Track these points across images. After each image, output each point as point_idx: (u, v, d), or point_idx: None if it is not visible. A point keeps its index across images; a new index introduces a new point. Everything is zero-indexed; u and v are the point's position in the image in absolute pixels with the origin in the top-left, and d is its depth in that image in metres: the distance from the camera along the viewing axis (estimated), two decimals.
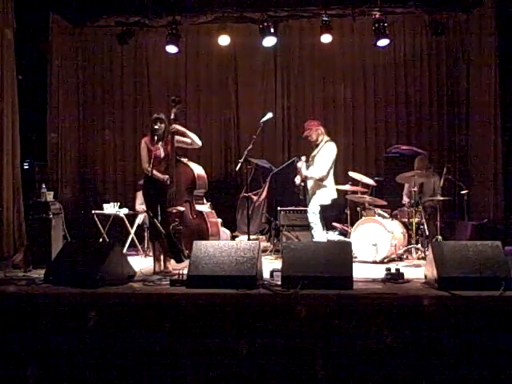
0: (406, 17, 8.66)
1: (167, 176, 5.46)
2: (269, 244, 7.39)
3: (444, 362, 3.84)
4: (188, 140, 5.64)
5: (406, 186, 7.27)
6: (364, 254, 6.46)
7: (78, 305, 4.19)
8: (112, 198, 8.09)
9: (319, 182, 6.35)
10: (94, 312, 4.05)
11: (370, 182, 7.08)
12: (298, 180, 6.55)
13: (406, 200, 7.29)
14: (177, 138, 5.57)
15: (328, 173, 6.37)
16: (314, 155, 6.44)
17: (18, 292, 4.44)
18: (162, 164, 5.55)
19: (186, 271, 4.51)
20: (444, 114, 8.69)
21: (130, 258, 5.25)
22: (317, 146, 6.46)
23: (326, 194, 6.37)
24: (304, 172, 6.40)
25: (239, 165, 6.01)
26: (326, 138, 6.48)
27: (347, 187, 6.98)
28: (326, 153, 6.36)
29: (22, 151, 7.29)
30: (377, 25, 7.69)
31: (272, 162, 8.53)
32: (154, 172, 5.42)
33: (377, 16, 7.76)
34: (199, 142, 5.73)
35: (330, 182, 6.41)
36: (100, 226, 7.40)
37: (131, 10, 8.48)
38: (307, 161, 6.49)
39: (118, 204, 7.47)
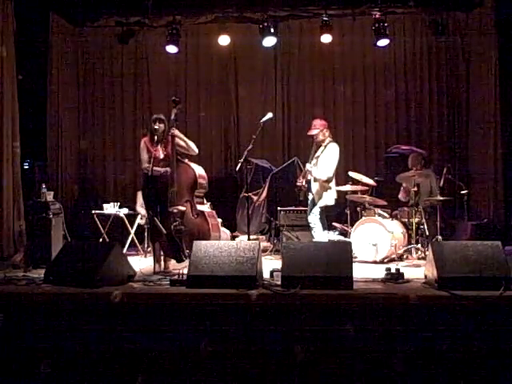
0: (406, 17, 8.66)
1: (168, 168, 5.47)
2: (269, 244, 7.38)
3: (444, 362, 3.85)
4: (185, 145, 5.67)
5: (403, 186, 7.25)
6: (364, 254, 6.46)
7: (78, 305, 4.19)
8: (112, 198, 8.09)
9: (325, 185, 6.30)
10: None
11: (370, 182, 7.07)
12: (299, 182, 6.48)
13: (401, 198, 7.27)
14: (176, 140, 5.58)
15: (333, 174, 6.36)
16: (318, 156, 6.40)
17: (18, 292, 4.44)
18: (161, 164, 5.54)
19: (186, 271, 4.51)
20: (444, 113, 8.69)
21: (130, 258, 5.25)
22: (320, 146, 6.43)
23: (331, 196, 6.35)
24: (314, 174, 6.33)
25: (239, 165, 6.01)
26: (330, 139, 6.47)
27: (347, 187, 6.96)
28: (331, 154, 6.31)
29: (22, 151, 7.29)
30: (377, 25, 7.68)
31: (272, 162, 8.53)
32: (154, 168, 5.42)
33: (377, 16, 7.75)
34: (196, 150, 5.77)
35: (333, 182, 6.40)
36: (100, 226, 7.40)
37: (131, 10, 8.46)
38: (307, 159, 6.46)
39: (118, 204, 7.47)
